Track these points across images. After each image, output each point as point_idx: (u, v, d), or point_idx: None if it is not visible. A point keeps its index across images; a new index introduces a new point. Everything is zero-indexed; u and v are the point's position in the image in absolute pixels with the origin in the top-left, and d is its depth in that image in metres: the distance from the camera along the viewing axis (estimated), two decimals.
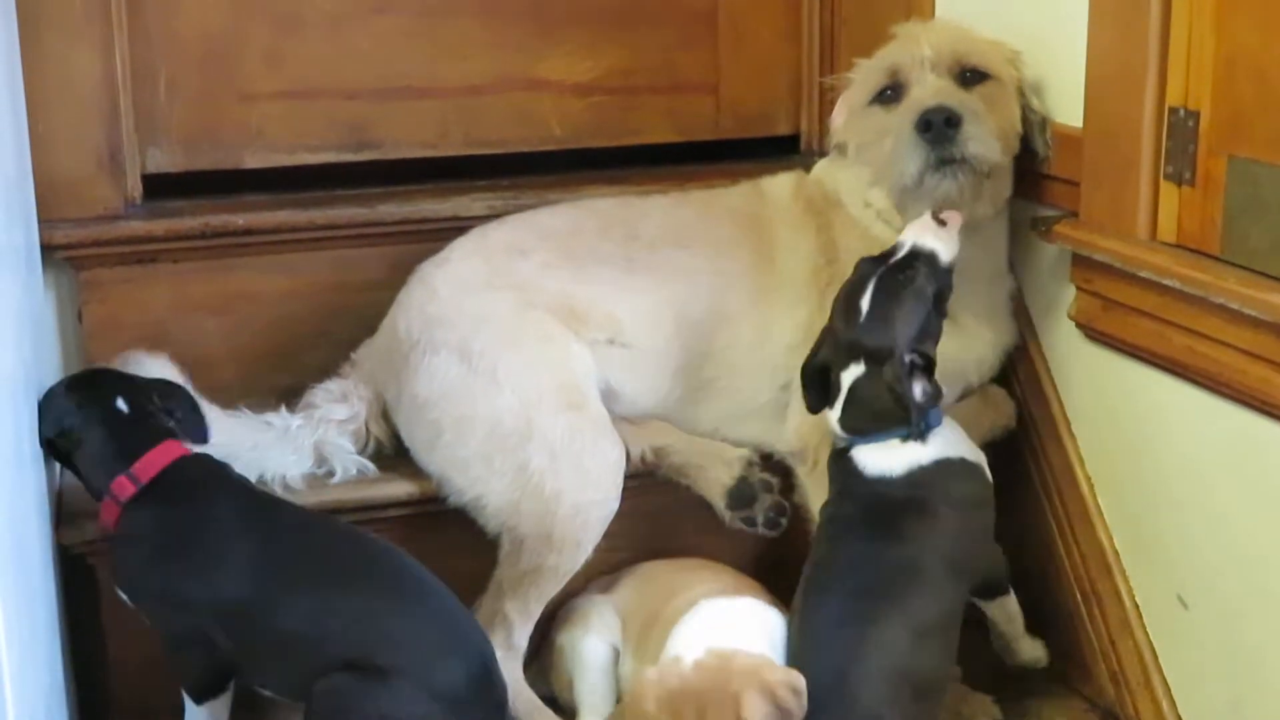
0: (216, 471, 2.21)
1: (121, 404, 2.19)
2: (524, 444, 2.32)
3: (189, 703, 2.18)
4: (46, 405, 2.18)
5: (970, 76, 2.40)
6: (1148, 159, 2.24)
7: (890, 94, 2.42)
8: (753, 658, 2.07)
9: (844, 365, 2.22)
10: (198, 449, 2.23)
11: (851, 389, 2.21)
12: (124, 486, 2.14)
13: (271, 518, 2.17)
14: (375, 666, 2.01)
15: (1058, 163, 2.45)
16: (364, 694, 2.01)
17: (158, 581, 2.13)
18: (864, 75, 2.48)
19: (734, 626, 2.16)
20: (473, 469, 2.34)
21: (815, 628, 2.12)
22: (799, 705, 2.00)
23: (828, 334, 2.27)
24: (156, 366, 2.40)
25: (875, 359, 2.19)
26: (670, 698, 2.05)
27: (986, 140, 2.33)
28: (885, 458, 2.21)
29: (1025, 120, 2.44)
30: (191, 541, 2.11)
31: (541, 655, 2.42)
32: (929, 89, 2.37)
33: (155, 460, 2.15)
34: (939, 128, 2.30)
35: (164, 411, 2.23)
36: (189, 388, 2.38)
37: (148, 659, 2.30)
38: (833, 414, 2.24)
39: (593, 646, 2.36)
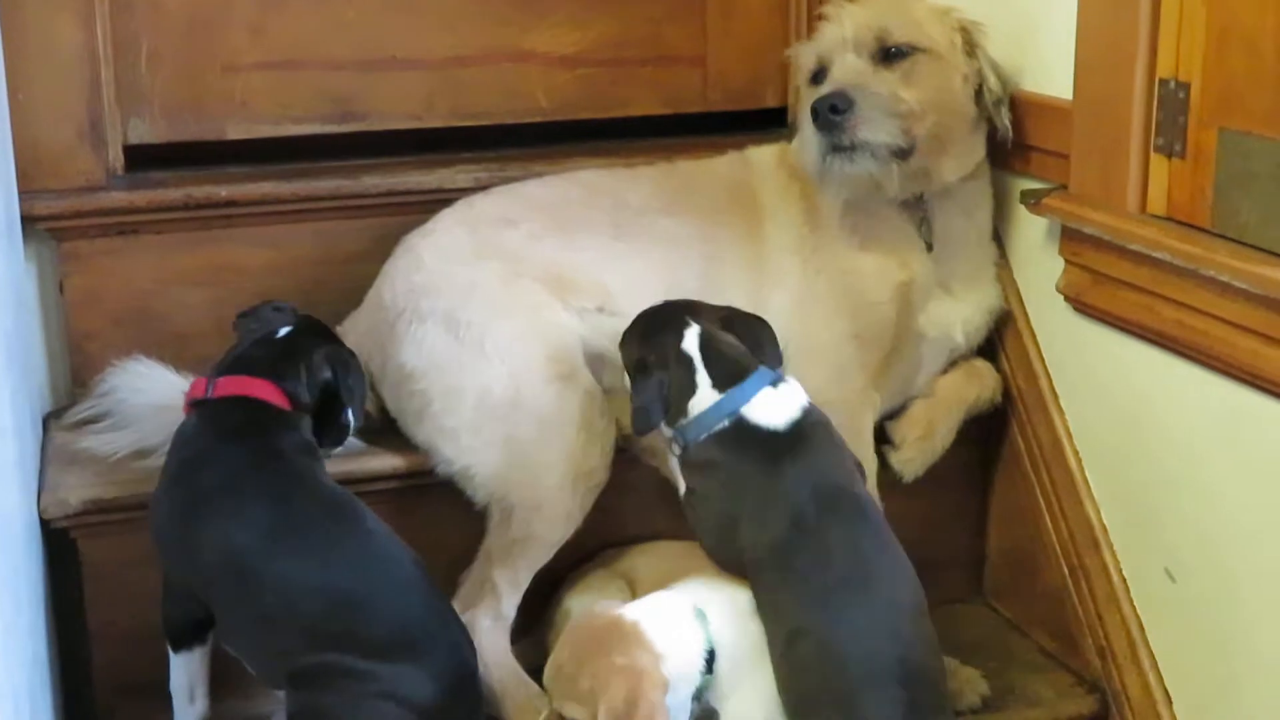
0: (267, 425, 2.16)
1: (281, 330, 2.22)
2: (512, 414, 2.30)
3: (170, 652, 2.16)
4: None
5: (893, 53, 2.38)
6: (1138, 131, 2.22)
7: (818, 75, 2.44)
8: (655, 662, 2.01)
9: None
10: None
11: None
12: (196, 388, 2.17)
13: (284, 491, 2.10)
14: (343, 666, 1.98)
15: (1047, 135, 2.44)
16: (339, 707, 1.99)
17: (166, 500, 2.11)
18: (800, 57, 2.50)
19: (704, 612, 2.11)
20: (461, 439, 2.33)
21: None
22: None
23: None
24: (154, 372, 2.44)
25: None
26: (570, 633, 2.07)
27: (881, 123, 2.32)
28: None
29: (981, 94, 2.43)
30: (204, 474, 2.10)
31: (545, 618, 2.41)
32: (838, 72, 2.38)
33: (231, 384, 2.15)
34: (824, 116, 2.31)
35: (331, 372, 2.22)
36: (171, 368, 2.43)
37: (129, 632, 2.29)
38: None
39: None
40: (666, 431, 2.24)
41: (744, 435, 2.18)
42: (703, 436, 2.19)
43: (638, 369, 2.23)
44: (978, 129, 2.47)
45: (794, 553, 2.09)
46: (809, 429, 2.20)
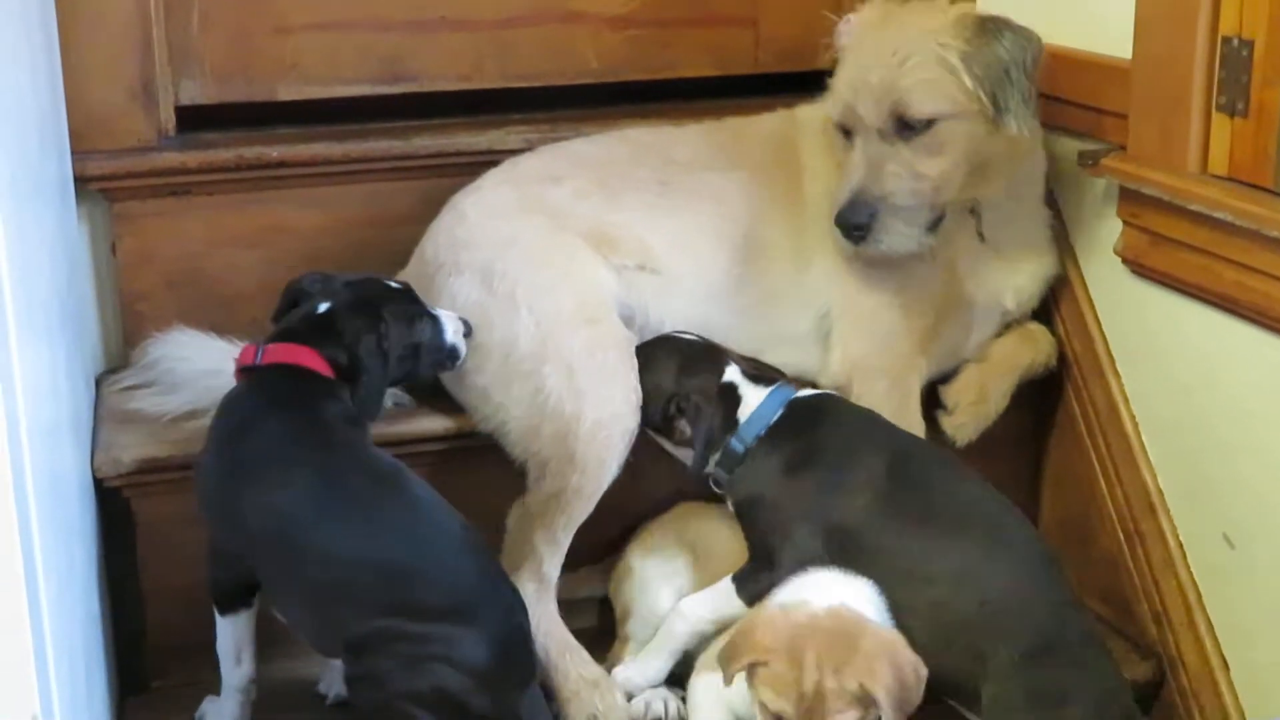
0: (313, 393, 2.14)
1: (322, 305, 2.19)
2: (540, 366, 2.28)
3: (217, 614, 2.16)
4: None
5: (913, 125, 2.32)
6: (1199, 90, 2.19)
7: (846, 131, 2.39)
8: (889, 632, 2.01)
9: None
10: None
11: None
12: (246, 355, 2.16)
13: (329, 458, 2.09)
14: (397, 630, 1.98)
15: (1104, 95, 2.41)
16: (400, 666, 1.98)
17: (213, 466, 2.11)
18: (830, 102, 2.41)
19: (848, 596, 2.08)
20: (493, 395, 2.32)
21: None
22: (918, 693, 1.95)
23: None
24: (196, 339, 2.45)
25: None
26: (794, 634, 1.95)
27: (902, 230, 2.33)
28: None
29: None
30: (249, 440, 2.09)
31: (612, 571, 2.44)
32: (858, 156, 2.34)
33: (279, 352, 2.15)
34: (848, 231, 2.33)
35: (372, 337, 2.18)
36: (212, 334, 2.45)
37: (181, 591, 2.30)
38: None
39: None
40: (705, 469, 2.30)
41: (803, 412, 2.27)
42: (762, 431, 2.25)
43: (676, 410, 2.29)
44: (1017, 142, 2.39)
45: (898, 499, 2.15)
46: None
